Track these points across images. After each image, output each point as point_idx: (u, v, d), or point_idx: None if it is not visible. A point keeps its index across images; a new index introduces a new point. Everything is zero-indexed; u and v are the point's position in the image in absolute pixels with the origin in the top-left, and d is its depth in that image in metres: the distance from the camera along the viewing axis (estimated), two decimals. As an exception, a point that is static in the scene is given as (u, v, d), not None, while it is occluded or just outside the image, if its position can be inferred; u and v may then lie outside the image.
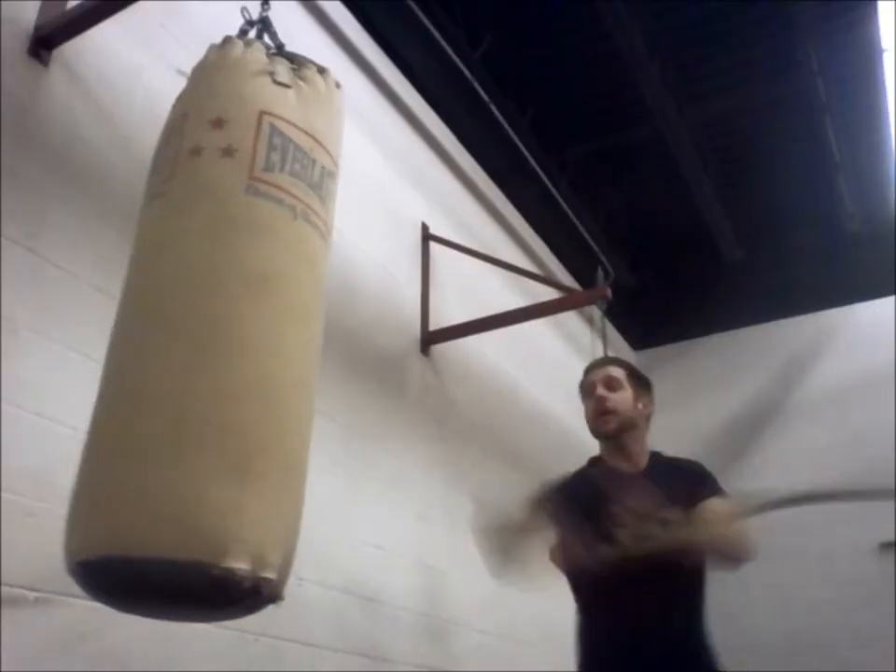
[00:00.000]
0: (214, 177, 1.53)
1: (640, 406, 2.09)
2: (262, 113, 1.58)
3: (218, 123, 1.56)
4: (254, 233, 1.50)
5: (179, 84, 1.76)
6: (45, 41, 2.26)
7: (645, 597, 1.88)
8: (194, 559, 1.26)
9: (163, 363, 1.39)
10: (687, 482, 1.98)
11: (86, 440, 1.43)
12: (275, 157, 1.56)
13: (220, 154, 1.53)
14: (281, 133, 1.58)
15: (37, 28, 2.26)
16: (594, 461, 2.17)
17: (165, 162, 1.60)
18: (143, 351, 1.42)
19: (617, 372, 2.10)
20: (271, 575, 1.34)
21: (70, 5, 2.32)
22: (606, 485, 1.97)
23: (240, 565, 1.28)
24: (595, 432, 2.11)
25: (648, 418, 2.11)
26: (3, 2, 2.20)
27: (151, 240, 1.56)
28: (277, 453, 1.42)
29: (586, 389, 2.14)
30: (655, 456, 2.12)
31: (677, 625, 1.95)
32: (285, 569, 1.41)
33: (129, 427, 1.36)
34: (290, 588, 2.63)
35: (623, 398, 2.06)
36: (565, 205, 5.07)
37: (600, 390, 2.07)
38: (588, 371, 2.18)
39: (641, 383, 2.13)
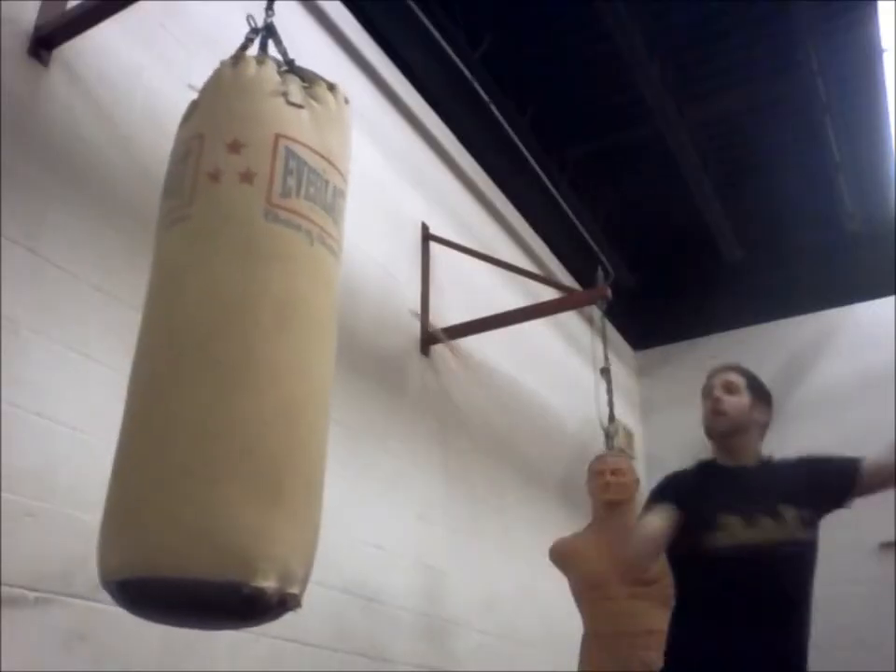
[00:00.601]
0: (234, 204, 1.56)
1: (755, 414, 2.16)
2: (278, 136, 1.60)
3: (235, 147, 1.58)
4: (275, 260, 1.53)
5: (186, 95, 1.76)
6: (45, 41, 2.26)
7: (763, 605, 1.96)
8: (226, 580, 1.33)
9: (193, 389, 1.43)
10: (809, 469, 2.11)
11: (115, 460, 1.47)
12: (291, 181, 1.58)
13: (239, 179, 1.55)
14: (296, 156, 1.61)
15: (37, 28, 2.26)
16: (703, 462, 2.23)
17: (183, 185, 1.61)
18: (169, 380, 1.46)
19: (737, 378, 2.19)
20: (296, 590, 1.42)
21: (70, 5, 2.32)
22: (717, 479, 2.09)
23: (269, 583, 1.35)
24: (707, 431, 2.17)
25: (762, 427, 2.20)
26: (3, 2, 2.20)
27: (174, 266, 1.58)
28: (302, 473, 1.48)
29: (706, 391, 2.22)
30: (767, 459, 2.19)
31: (790, 640, 2.06)
32: (306, 580, 1.49)
33: (161, 452, 1.41)
34: (290, 588, 2.65)
35: (739, 402, 2.14)
36: (565, 205, 5.07)
37: (717, 392, 2.16)
38: (711, 375, 2.26)
39: (760, 393, 2.21)
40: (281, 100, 1.64)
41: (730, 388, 2.15)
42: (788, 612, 2.00)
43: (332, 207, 1.65)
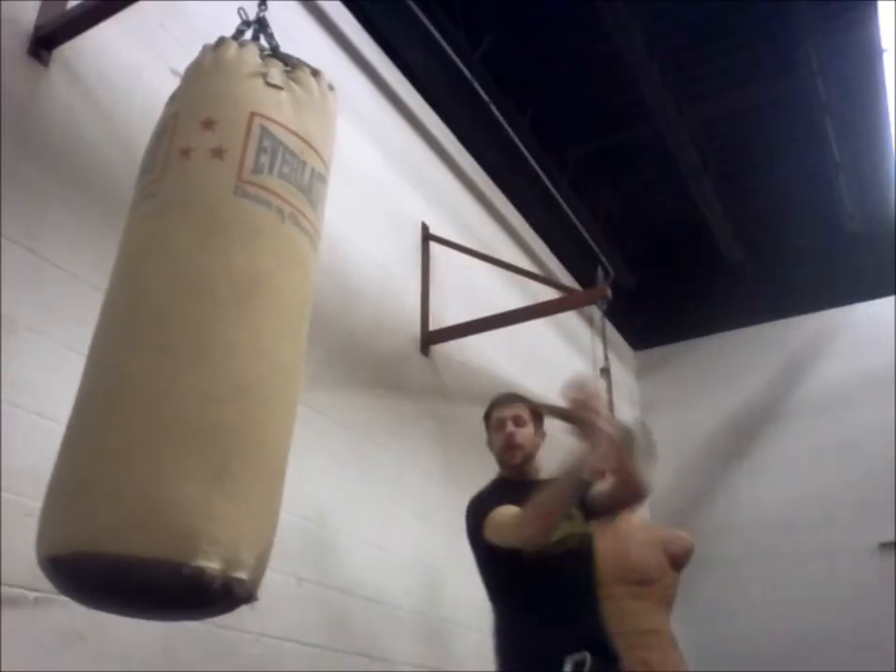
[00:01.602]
0: (203, 179, 1.53)
1: (538, 439, 2.41)
2: (253, 114, 1.58)
3: (209, 124, 1.55)
4: (241, 236, 1.50)
5: (175, 84, 1.76)
6: (45, 41, 2.26)
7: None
8: (165, 557, 1.26)
9: (145, 364, 1.38)
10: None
11: (63, 436, 1.43)
12: (265, 159, 1.55)
13: (210, 155, 1.53)
14: (271, 136, 1.58)
15: (37, 28, 2.26)
16: (498, 480, 2.43)
17: (155, 162, 1.59)
18: (124, 351, 1.42)
19: (523, 411, 2.40)
20: (243, 575, 1.34)
21: (70, 5, 2.32)
22: (517, 490, 2.23)
23: (211, 564, 1.28)
24: (504, 463, 2.39)
25: (540, 446, 2.42)
26: (3, 2, 2.20)
27: (139, 241, 1.55)
28: (256, 455, 1.42)
29: (496, 424, 2.42)
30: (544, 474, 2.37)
31: None
32: (259, 570, 1.41)
33: (105, 426, 1.36)
34: (290, 588, 2.64)
35: (528, 433, 2.37)
36: (565, 205, 5.07)
37: (510, 427, 2.36)
38: (498, 407, 2.45)
39: (539, 419, 2.43)
40: (259, 80, 1.62)
41: (518, 422, 2.36)
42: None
43: (310, 189, 1.62)
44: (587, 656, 2.04)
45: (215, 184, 1.52)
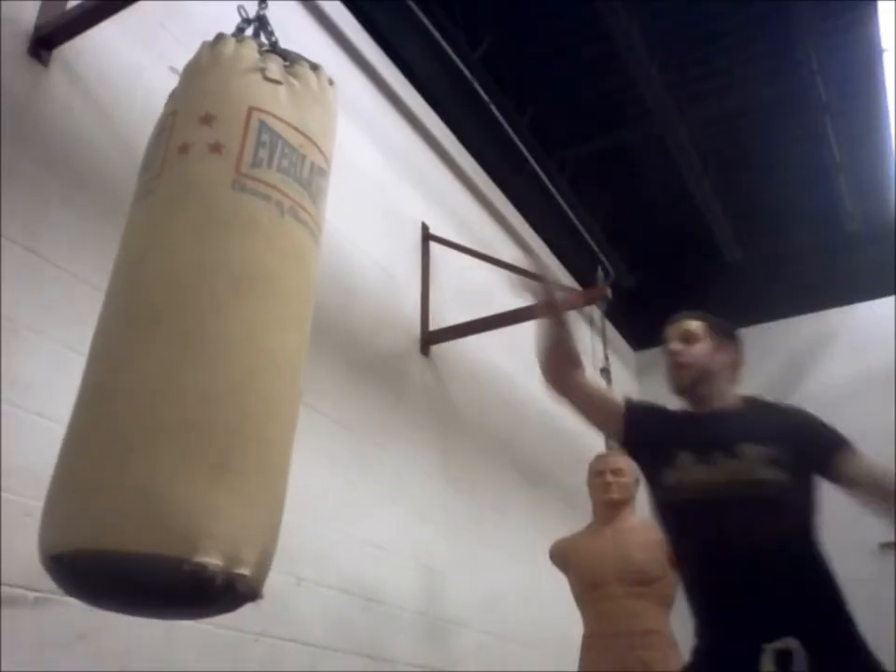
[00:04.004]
0: (201, 174, 1.52)
1: (720, 357, 2.01)
2: (252, 109, 1.57)
3: (207, 120, 1.55)
4: (239, 230, 1.49)
5: (175, 82, 1.77)
6: (45, 41, 2.26)
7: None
8: (165, 554, 1.26)
9: (143, 361, 1.38)
10: (798, 430, 1.88)
11: (65, 434, 1.42)
12: (263, 153, 1.54)
13: (208, 150, 1.52)
14: (270, 130, 1.57)
15: (37, 28, 2.26)
16: (678, 409, 2.08)
17: (154, 159, 1.59)
18: (123, 349, 1.42)
19: (694, 326, 2.04)
20: (245, 571, 1.33)
21: (70, 5, 2.32)
22: (684, 421, 1.96)
23: (211, 560, 1.27)
24: (674, 386, 2.03)
25: (733, 368, 2.03)
26: (3, 2, 2.20)
27: (137, 237, 1.55)
28: (256, 450, 1.40)
29: (664, 346, 2.07)
30: (751, 399, 2.00)
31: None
32: (262, 567, 1.40)
33: (105, 424, 1.36)
34: (290, 588, 2.64)
35: (700, 349, 1.99)
36: (564, 205, 5.07)
37: (675, 345, 2.02)
38: (667, 329, 2.10)
39: (723, 334, 2.05)
40: (258, 75, 1.62)
41: (688, 338, 2.01)
42: (771, 570, 1.70)
43: (309, 183, 1.61)
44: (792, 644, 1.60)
45: (213, 178, 1.51)
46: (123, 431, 1.33)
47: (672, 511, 1.87)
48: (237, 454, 1.37)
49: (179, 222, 1.50)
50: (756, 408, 1.97)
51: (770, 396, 2.05)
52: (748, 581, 1.70)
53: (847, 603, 1.75)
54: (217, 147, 1.52)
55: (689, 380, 1.98)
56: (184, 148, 1.54)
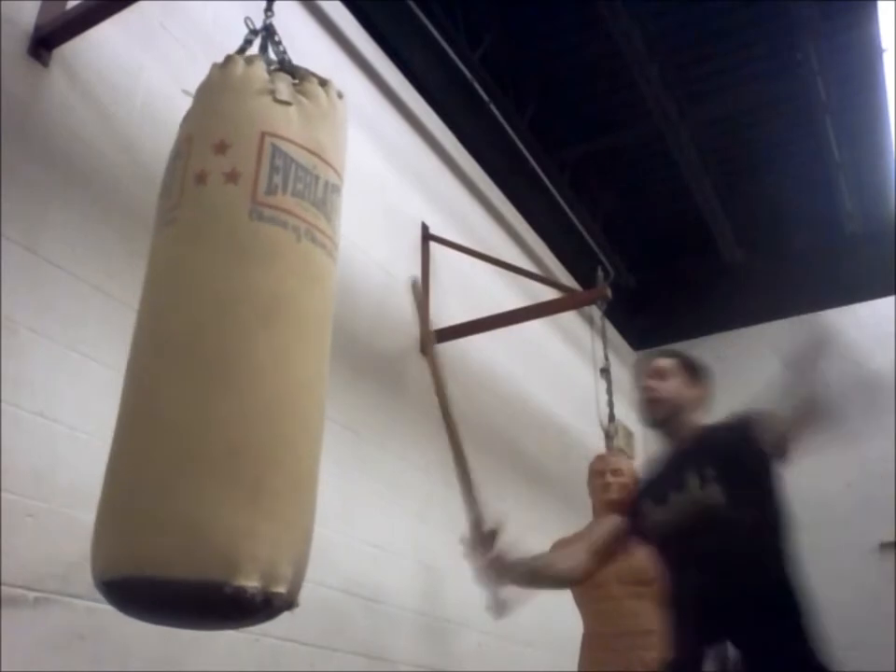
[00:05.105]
0: (219, 204, 1.56)
1: (689, 392, 2.11)
2: (264, 134, 1.60)
3: (222, 147, 1.58)
4: (260, 258, 1.53)
5: (181, 97, 1.76)
6: (45, 41, 2.26)
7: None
8: (207, 579, 1.34)
9: (175, 391, 1.43)
10: (726, 442, 1.97)
11: (107, 463, 1.48)
12: (277, 179, 1.57)
13: (224, 179, 1.55)
14: (283, 154, 1.60)
15: (37, 28, 2.26)
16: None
17: (173, 187, 1.62)
18: (156, 381, 1.47)
19: (665, 362, 2.15)
20: (281, 589, 1.41)
21: (70, 5, 2.32)
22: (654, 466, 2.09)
23: (251, 582, 1.35)
24: (645, 421, 2.15)
25: (700, 402, 2.13)
26: (3, 2, 2.20)
27: (162, 269, 1.59)
28: (289, 471, 1.47)
29: (636, 382, 2.19)
30: (705, 428, 2.09)
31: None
32: (296, 580, 1.47)
33: (143, 455, 1.42)
34: (290, 588, 2.64)
35: (671, 386, 2.10)
36: (565, 205, 5.08)
37: (648, 381, 2.12)
38: (638, 364, 2.24)
39: (691, 370, 2.16)
40: (268, 98, 1.64)
41: (660, 374, 2.11)
42: (743, 599, 1.76)
43: (324, 202, 1.64)
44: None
45: (231, 208, 1.55)
46: (162, 459, 1.40)
47: (655, 555, 2.00)
48: (271, 475, 1.43)
49: (201, 253, 1.54)
50: (704, 435, 2.04)
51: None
52: (701, 597, 1.81)
53: (799, 612, 1.83)
54: (232, 175, 1.56)
55: (661, 416, 2.09)
56: (201, 178, 1.57)
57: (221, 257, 1.52)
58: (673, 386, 2.09)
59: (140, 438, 1.45)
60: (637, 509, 2.05)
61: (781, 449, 1.90)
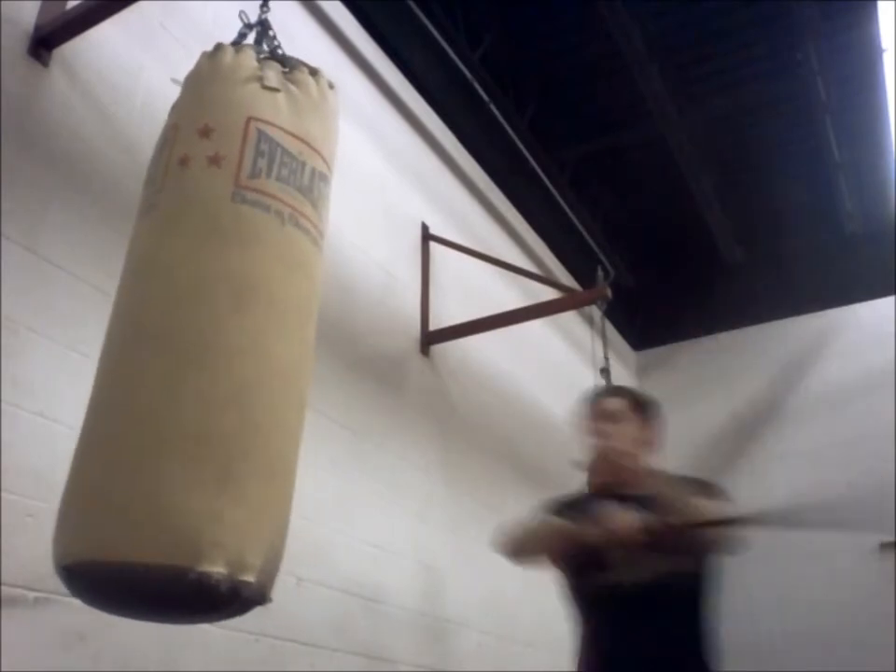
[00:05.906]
0: (201, 187, 1.54)
1: (644, 437, 1.98)
2: (250, 119, 1.58)
3: (206, 132, 1.56)
4: (240, 242, 1.51)
5: (175, 91, 1.76)
6: (45, 41, 2.26)
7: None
8: (170, 563, 1.29)
9: (146, 374, 1.41)
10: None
11: (75, 446, 1.45)
12: (262, 163, 1.55)
13: (207, 163, 1.54)
14: (269, 139, 1.58)
15: (37, 28, 2.26)
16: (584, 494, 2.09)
17: (157, 173, 1.61)
18: (128, 362, 1.45)
19: (616, 404, 1.99)
20: (249, 578, 1.36)
21: (70, 5, 2.32)
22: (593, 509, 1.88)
23: (216, 569, 1.30)
24: (595, 474, 2.03)
25: (651, 447, 1.99)
26: (3, 2, 2.20)
27: (141, 253, 1.57)
28: (259, 459, 1.43)
29: (584, 426, 2.04)
30: (653, 484, 1.95)
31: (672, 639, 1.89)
32: (267, 572, 1.42)
33: (112, 436, 1.39)
34: (290, 588, 2.64)
35: (625, 432, 1.95)
36: (564, 205, 5.08)
37: (600, 425, 1.96)
38: (588, 404, 2.04)
39: (646, 410, 2.02)
40: (256, 85, 1.62)
41: (612, 418, 1.95)
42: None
43: (310, 189, 1.62)
44: None
45: (213, 191, 1.53)
46: (129, 444, 1.37)
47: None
48: (240, 462, 1.39)
49: (181, 236, 1.51)
50: (648, 496, 1.86)
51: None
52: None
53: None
54: (216, 159, 1.53)
55: (617, 475, 1.91)
56: (184, 162, 1.55)
57: (200, 239, 1.50)
58: (627, 432, 1.93)
59: (107, 419, 1.42)
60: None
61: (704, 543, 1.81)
